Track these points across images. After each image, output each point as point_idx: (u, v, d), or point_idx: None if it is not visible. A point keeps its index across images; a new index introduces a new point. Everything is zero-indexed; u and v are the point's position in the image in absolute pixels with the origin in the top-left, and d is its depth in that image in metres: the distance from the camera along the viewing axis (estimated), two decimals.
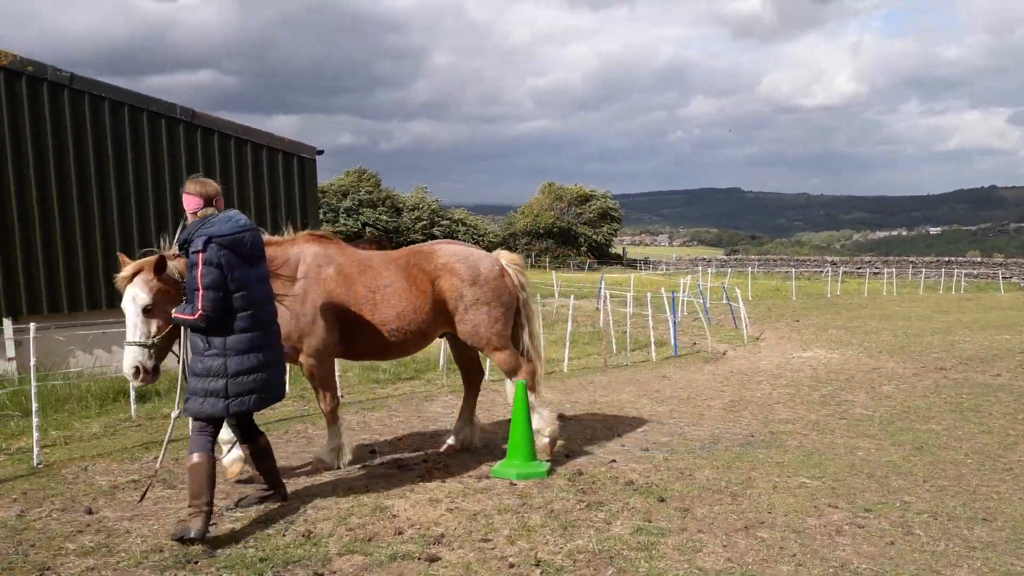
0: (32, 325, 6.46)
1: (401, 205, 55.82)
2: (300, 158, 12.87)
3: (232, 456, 5.48)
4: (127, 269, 4.58)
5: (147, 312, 4.50)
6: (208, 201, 4.61)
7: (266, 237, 5.32)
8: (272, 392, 4.72)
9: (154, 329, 4.53)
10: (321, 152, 13.61)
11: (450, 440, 6.54)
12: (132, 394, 7.75)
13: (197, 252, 4.40)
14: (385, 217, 52.51)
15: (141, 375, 4.51)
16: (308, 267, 5.54)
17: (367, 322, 5.62)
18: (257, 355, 4.54)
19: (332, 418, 5.80)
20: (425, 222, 55.28)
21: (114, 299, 10.16)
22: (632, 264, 62.19)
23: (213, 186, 4.68)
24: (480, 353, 6.35)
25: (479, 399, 6.82)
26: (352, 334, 5.63)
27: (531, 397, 6.07)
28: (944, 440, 7.17)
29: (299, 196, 12.81)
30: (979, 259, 56.52)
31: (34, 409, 6.06)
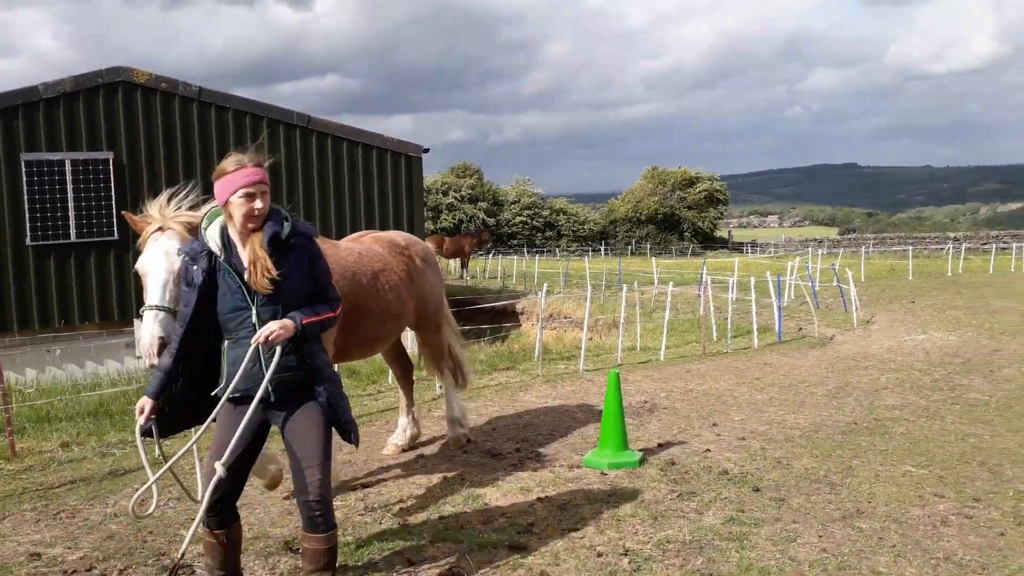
0: None
1: (503, 199, 56.44)
2: (407, 157, 13.36)
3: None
4: (154, 223, 3.96)
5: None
6: None
7: None
8: None
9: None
10: (427, 150, 14.04)
11: (396, 440, 6.39)
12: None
13: (313, 241, 3.55)
14: (484, 212, 53.27)
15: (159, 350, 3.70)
16: None
17: (373, 310, 5.33)
18: None
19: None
20: (524, 216, 55.71)
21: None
22: (738, 247, 60.45)
23: None
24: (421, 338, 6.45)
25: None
26: (358, 324, 5.20)
27: (452, 387, 6.49)
28: None
29: (405, 193, 13.31)
30: None
31: None
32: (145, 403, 3.37)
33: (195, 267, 3.37)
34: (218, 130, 11.29)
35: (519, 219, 56.12)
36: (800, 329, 13.84)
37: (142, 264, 3.93)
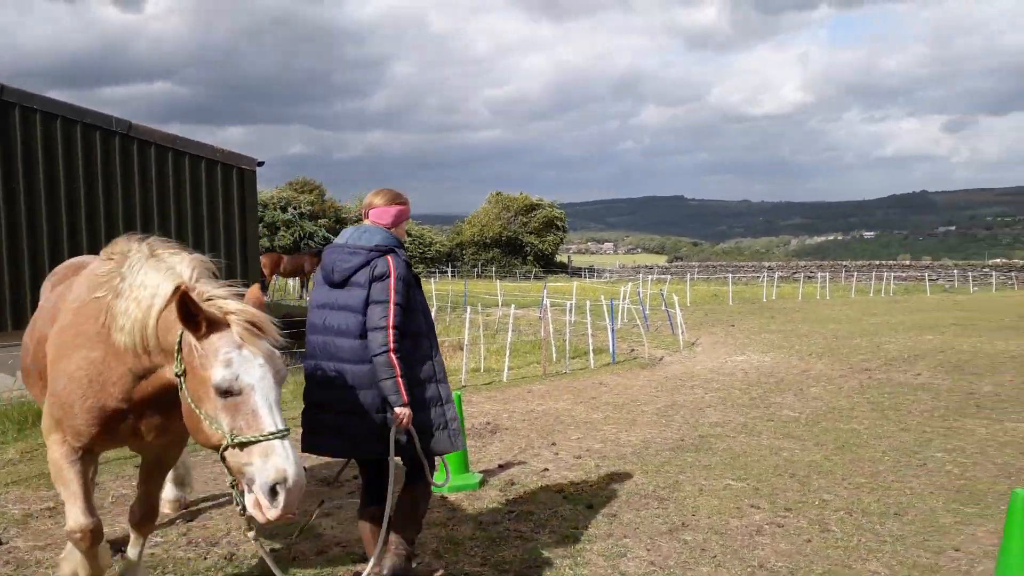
0: None
1: (346, 216, 55.28)
2: (240, 169, 12.68)
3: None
4: (255, 299, 3.10)
5: None
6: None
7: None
8: None
9: None
10: (262, 163, 13.42)
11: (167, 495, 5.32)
12: None
13: None
14: (326, 229, 51.90)
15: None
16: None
17: None
18: None
19: None
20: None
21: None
22: (577, 272, 62.69)
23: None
24: None
25: None
26: None
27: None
28: (864, 439, 7.43)
29: (238, 208, 12.62)
30: (908, 262, 58.65)
31: None
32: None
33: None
34: (23, 133, 10.22)
35: None
36: (632, 350, 14.50)
37: (239, 372, 2.82)
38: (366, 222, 4.01)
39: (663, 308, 20.25)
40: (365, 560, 4.43)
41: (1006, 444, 7.16)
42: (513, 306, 14.77)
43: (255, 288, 3.13)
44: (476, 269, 58.35)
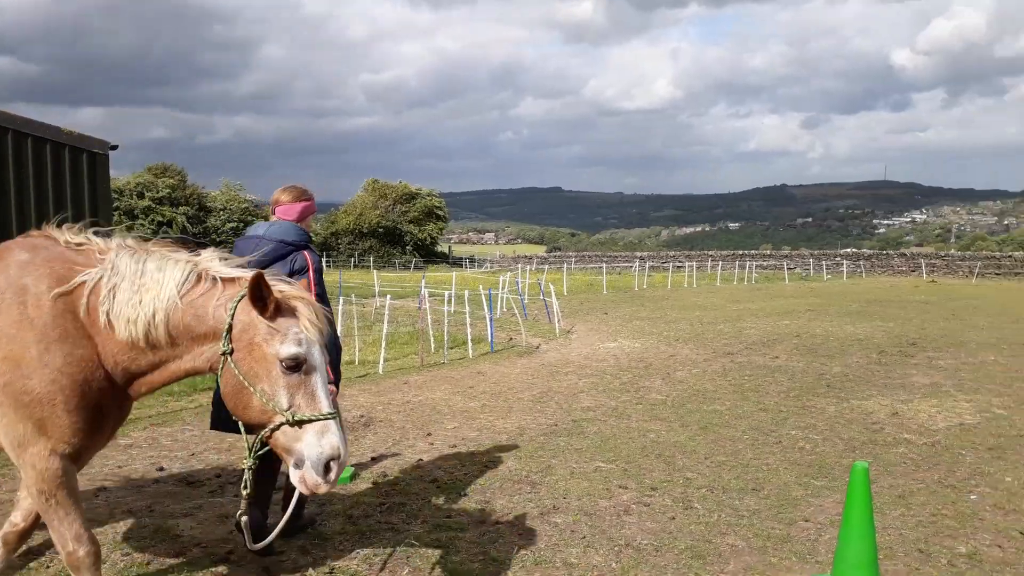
0: None
1: (211, 204, 52.78)
2: (91, 153, 11.77)
3: None
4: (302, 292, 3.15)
5: None
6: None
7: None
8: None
9: None
10: (115, 147, 12.54)
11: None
12: None
13: None
14: (188, 217, 49.39)
15: None
16: None
17: None
18: None
19: None
20: (235, 223, 52.56)
21: None
22: (458, 262, 62.73)
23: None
24: None
25: None
26: None
27: None
28: (726, 419, 7.80)
29: (89, 194, 11.71)
30: (769, 252, 62.29)
31: None
32: None
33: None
34: None
35: (229, 226, 52.74)
36: (511, 339, 14.62)
37: (309, 351, 2.98)
38: (274, 218, 4.39)
39: (541, 297, 20.57)
40: (226, 561, 4.24)
41: (852, 421, 7.71)
42: (389, 296, 14.55)
43: (304, 282, 3.28)
44: (353, 259, 57.23)
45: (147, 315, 3.00)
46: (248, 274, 3.01)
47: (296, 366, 2.91)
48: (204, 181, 53.95)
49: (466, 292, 15.00)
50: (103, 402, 3.08)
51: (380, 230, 61.60)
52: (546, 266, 47.55)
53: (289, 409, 2.89)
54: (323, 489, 2.90)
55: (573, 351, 13.13)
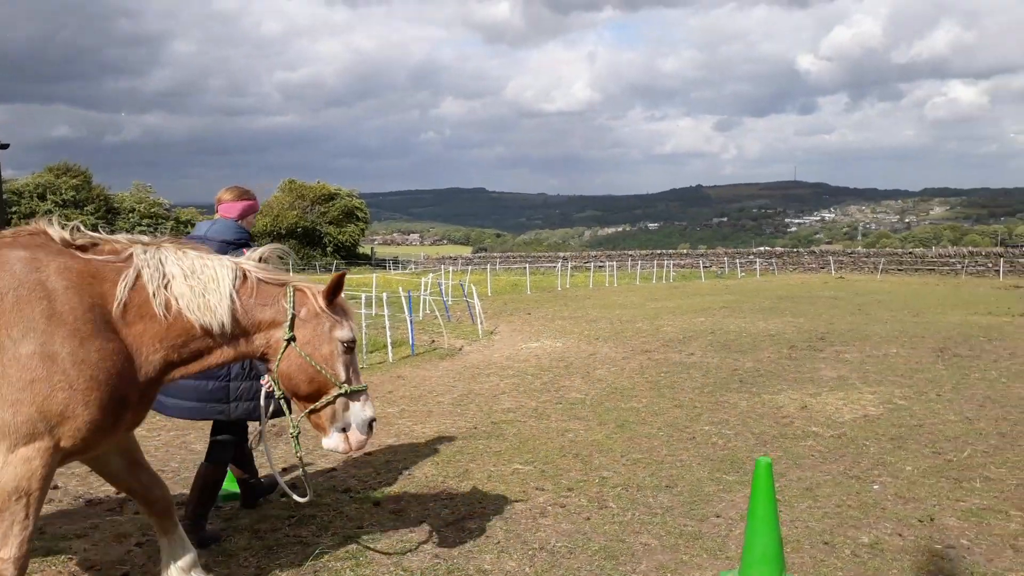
0: None
1: (117, 206, 50.59)
2: None
3: None
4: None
5: None
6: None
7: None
8: None
9: None
10: (6, 146, 11.88)
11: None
12: None
13: None
14: (93, 219, 47.22)
15: None
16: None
17: None
18: None
19: None
20: (145, 226, 50.55)
21: None
22: (381, 264, 61.97)
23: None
24: None
25: None
26: None
27: None
28: (643, 416, 7.89)
29: None
30: (686, 251, 63.85)
31: None
32: None
33: None
34: None
35: (138, 230, 50.71)
36: (433, 342, 14.48)
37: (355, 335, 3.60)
38: (216, 216, 4.50)
39: (465, 298, 20.47)
40: None
41: (763, 415, 7.91)
42: None
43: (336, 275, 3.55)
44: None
45: (225, 306, 3.28)
46: (286, 276, 3.50)
47: (351, 348, 3.48)
48: (113, 182, 51.75)
49: (385, 294, 14.78)
50: (129, 395, 3.13)
51: (298, 231, 60.31)
52: (471, 267, 47.50)
53: (346, 383, 3.44)
54: (365, 446, 3.61)
55: (496, 352, 13.10)
